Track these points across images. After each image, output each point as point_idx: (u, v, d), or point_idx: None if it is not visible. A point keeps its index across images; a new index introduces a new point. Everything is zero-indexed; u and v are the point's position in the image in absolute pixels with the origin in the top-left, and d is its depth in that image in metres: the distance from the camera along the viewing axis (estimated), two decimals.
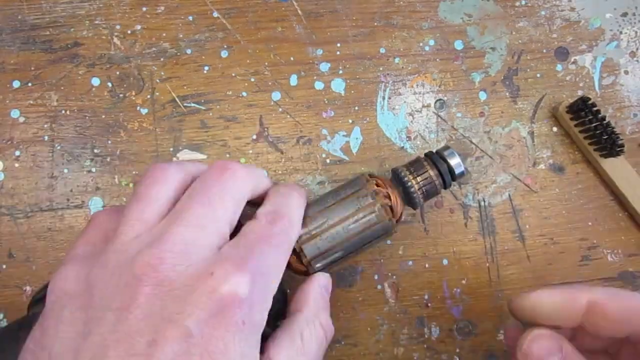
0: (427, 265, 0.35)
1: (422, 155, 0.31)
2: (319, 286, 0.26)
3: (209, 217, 0.21)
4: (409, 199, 0.30)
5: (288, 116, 0.36)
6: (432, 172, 0.29)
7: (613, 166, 0.35)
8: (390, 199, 0.29)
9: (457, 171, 0.30)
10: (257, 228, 0.22)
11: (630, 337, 0.22)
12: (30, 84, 0.36)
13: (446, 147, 0.31)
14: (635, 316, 0.21)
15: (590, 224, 0.36)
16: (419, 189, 0.29)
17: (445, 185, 0.30)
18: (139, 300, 0.18)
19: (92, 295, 0.19)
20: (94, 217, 0.24)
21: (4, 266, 0.34)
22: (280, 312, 0.26)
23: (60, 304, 0.20)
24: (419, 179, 0.29)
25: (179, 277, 0.19)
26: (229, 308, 0.18)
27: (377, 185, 0.29)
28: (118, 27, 0.37)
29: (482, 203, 0.36)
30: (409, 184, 0.29)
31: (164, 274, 0.19)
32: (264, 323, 0.21)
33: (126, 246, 0.20)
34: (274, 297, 0.24)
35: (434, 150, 0.31)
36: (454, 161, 0.30)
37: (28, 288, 0.34)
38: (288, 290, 0.34)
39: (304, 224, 0.27)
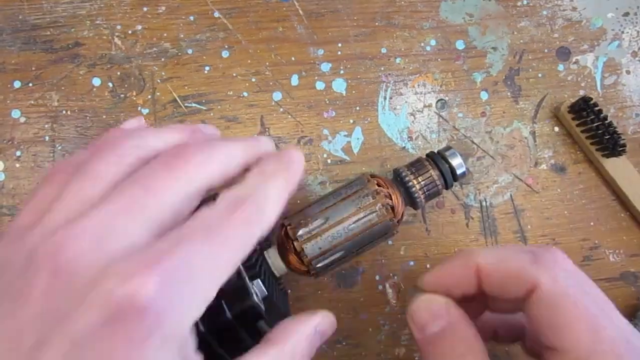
0: (428, 266, 0.35)
1: (424, 156, 0.31)
2: (311, 329, 0.22)
3: (139, 206, 0.17)
4: (410, 199, 0.30)
5: (289, 116, 0.36)
6: (433, 172, 0.29)
7: (615, 166, 0.35)
8: (391, 199, 0.29)
9: (458, 171, 0.30)
10: (205, 215, 0.18)
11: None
12: (31, 84, 0.36)
13: (448, 148, 0.31)
14: (512, 279, 0.21)
15: (592, 224, 0.36)
16: (420, 189, 0.29)
17: (447, 186, 0.30)
18: (34, 292, 0.15)
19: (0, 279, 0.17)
20: (53, 172, 0.19)
21: None
22: (279, 312, 0.26)
23: None
24: (420, 179, 0.29)
25: (82, 270, 0.16)
26: (126, 316, 0.15)
27: (379, 185, 0.29)
28: (119, 27, 0.37)
29: (484, 203, 0.36)
30: (410, 184, 0.29)
31: (61, 264, 0.16)
32: (187, 333, 0.17)
33: (47, 226, 0.17)
34: (272, 297, 0.23)
35: (436, 151, 0.31)
36: (456, 161, 0.30)
37: None
38: (289, 290, 0.34)
39: (305, 223, 0.27)
